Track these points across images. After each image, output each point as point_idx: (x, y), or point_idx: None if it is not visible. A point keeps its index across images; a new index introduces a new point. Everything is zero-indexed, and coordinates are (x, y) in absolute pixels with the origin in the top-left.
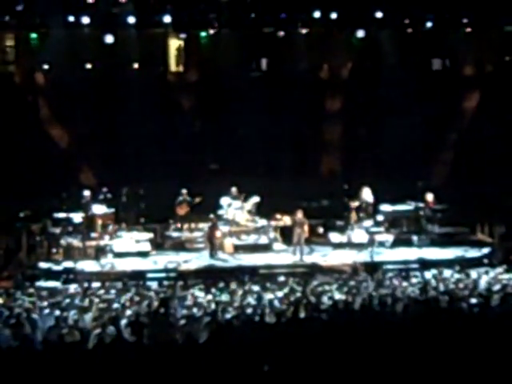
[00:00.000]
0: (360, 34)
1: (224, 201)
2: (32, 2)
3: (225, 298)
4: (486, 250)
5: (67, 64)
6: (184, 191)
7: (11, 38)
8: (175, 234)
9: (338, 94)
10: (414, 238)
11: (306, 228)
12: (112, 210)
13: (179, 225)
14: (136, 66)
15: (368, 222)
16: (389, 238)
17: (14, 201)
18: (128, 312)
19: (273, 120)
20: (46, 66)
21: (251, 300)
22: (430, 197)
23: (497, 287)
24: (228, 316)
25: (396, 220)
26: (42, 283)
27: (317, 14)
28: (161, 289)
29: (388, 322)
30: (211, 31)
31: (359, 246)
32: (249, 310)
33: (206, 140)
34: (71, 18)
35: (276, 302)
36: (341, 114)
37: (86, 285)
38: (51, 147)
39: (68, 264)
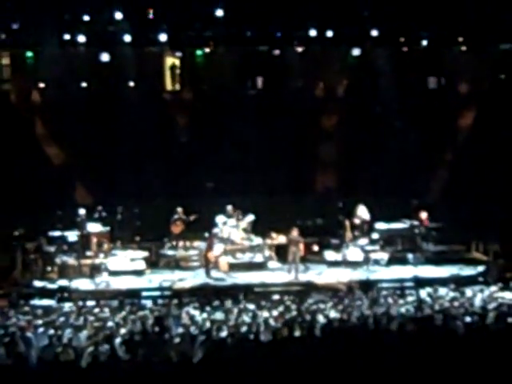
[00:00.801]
0: (356, 52)
1: (219, 219)
2: (28, 20)
3: (219, 316)
4: (480, 268)
5: (63, 82)
6: (179, 209)
7: (7, 57)
8: (170, 253)
9: (333, 111)
10: (409, 256)
11: (301, 246)
12: (107, 228)
13: (174, 243)
14: (132, 84)
15: (363, 240)
16: (384, 256)
17: (8, 219)
18: (123, 330)
19: (268, 138)
20: (41, 85)
21: (246, 318)
22: (424, 215)
23: (492, 305)
24: (223, 334)
25: (391, 238)
26: (36, 301)
27: (312, 33)
28: (155, 307)
29: (383, 340)
30: (207, 49)
31: (354, 264)
32: (244, 329)
33: (202, 158)
34: (67, 37)
35: (271, 321)
36: (336, 132)
37: (80, 303)
38: (47, 165)
39: (63, 282)
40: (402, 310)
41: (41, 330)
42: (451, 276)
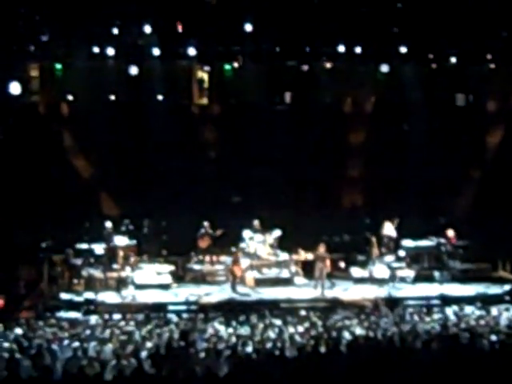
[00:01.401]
0: (384, 68)
1: (246, 234)
2: (57, 32)
3: (245, 331)
4: (507, 287)
5: (91, 95)
6: (206, 224)
7: (36, 69)
8: (197, 267)
9: (361, 128)
10: (436, 273)
11: (327, 262)
12: (134, 241)
13: (201, 257)
14: (160, 97)
15: (390, 257)
16: (410, 273)
17: (36, 231)
18: (148, 344)
19: (296, 153)
20: (70, 97)
21: (272, 334)
22: (451, 233)
23: None
24: (248, 349)
25: (418, 255)
26: (62, 314)
27: (341, 48)
28: (181, 321)
29: (408, 357)
30: (235, 64)
31: (381, 281)
32: (269, 344)
33: (229, 173)
34: (96, 49)
35: (297, 337)
36: (364, 149)
37: (106, 316)
38: (74, 178)
39: (89, 295)
40: (428, 327)
41: (66, 342)
42: (477, 294)
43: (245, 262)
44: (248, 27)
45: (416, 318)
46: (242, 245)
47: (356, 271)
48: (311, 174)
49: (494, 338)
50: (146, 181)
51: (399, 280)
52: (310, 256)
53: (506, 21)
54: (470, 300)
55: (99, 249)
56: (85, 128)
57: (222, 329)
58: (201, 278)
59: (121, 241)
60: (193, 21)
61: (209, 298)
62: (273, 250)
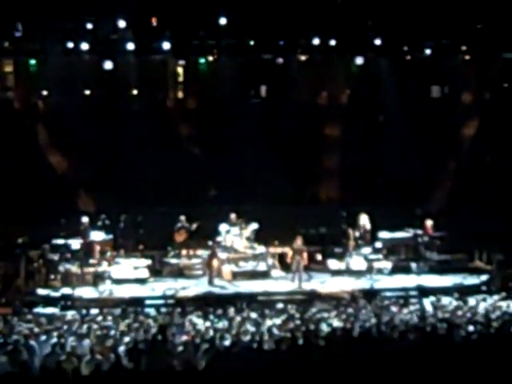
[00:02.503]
0: (359, 60)
1: (222, 227)
2: (31, 28)
3: (223, 324)
4: (484, 278)
5: (66, 90)
6: (182, 218)
7: (10, 64)
8: (173, 261)
9: (336, 120)
10: (413, 265)
11: (304, 255)
12: (110, 236)
13: (177, 251)
14: (135, 92)
15: (366, 249)
16: (387, 265)
17: (12, 227)
18: (126, 339)
19: (271, 146)
20: (44, 92)
21: (249, 327)
22: (428, 224)
23: (495, 314)
24: (226, 343)
25: (394, 247)
26: (40, 309)
27: (316, 41)
28: (159, 315)
29: (386, 349)
30: (210, 58)
31: (358, 273)
32: (247, 337)
33: (205, 166)
34: (70, 45)
35: (274, 329)
36: (340, 141)
37: (84, 311)
38: (50, 173)
39: (66, 290)
40: (405, 318)
41: (44, 338)
42: (455, 285)
43: (222, 256)
44: (222, 21)
45: (393, 309)
46: (219, 238)
47: (333, 263)
48: (287, 167)
49: (471, 328)
50: (121, 175)
51: (376, 272)
52: (286, 249)
53: (480, 12)
54: (447, 291)
55: (76, 244)
56: (60, 123)
57: (199, 322)
58: (178, 272)
59: (97, 236)
60: (167, 15)
61: (186, 291)
62: (249, 243)
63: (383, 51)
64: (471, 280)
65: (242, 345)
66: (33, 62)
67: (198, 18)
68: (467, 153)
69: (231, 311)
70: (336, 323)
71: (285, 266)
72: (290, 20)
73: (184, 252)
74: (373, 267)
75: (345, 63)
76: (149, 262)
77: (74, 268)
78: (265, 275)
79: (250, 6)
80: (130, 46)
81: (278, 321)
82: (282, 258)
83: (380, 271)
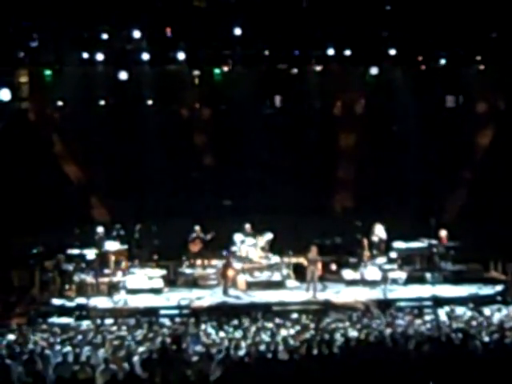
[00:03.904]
0: (374, 70)
1: (237, 237)
2: (46, 38)
3: (238, 334)
4: (499, 288)
5: (81, 100)
6: (197, 228)
7: (25, 75)
8: (188, 271)
9: (351, 130)
10: (428, 275)
11: (319, 265)
12: (125, 246)
13: (192, 261)
14: (150, 102)
15: (381, 259)
16: (402, 275)
17: (27, 237)
18: (141, 349)
19: (286, 157)
20: (60, 103)
21: (264, 337)
22: (443, 234)
23: (510, 324)
24: (241, 353)
25: (409, 257)
26: (54, 320)
27: (330, 51)
28: (173, 325)
29: (401, 359)
30: (225, 68)
31: (372, 284)
32: (262, 347)
33: (220, 176)
34: (85, 55)
35: (289, 339)
36: (354, 151)
37: (98, 321)
38: (65, 183)
39: (81, 300)
40: (420, 329)
41: (58, 347)
42: (469, 295)
43: (236, 266)
44: (237, 31)
45: (408, 319)
46: (234, 248)
47: (348, 273)
48: (302, 177)
49: (486, 338)
50: (136, 185)
51: (391, 282)
52: (301, 259)
53: (495, 22)
54: (461, 301)
55: (91, 254)
56: (75, 133)
57: (214, 332)
58: (192, 282)
59: (112, 246)
60: (182, 25)
61: (201, 301)
62: (264, 253)
63: (398, 61)
64: (486, 290)
65: (256, 355)
66: (48, 72)
67: (212, 28)
68: (482, 162)
69: (246, 321)
70: (350, 333)
71: (299, 276)
72: (305, 30)
73: (199, 262)
74: (387, 277)
75: (360, 73)
76: (163, 272)
77: (89, 278)
78: (279, 285)
79: (264, 16)
80: (145, 57)
81: (292, 331)
82: (296, 268)
83: (395, 281)
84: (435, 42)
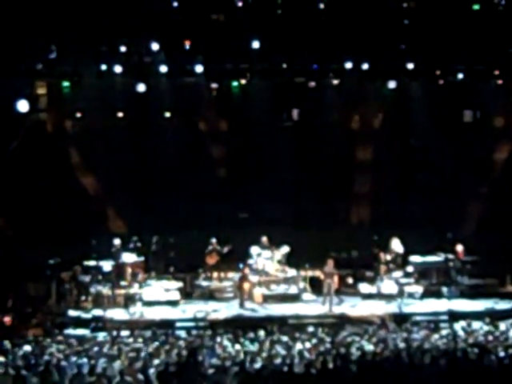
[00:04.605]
0: (391, 84)
1: (254, 250)
2: (64, 50)
3: (253, 347)
4: None
5: (99, 112)
6: (214, 240)
7: (43, 86)
8: (204, 284)
9: (368, 144)
10: (444, 289)
11: (335, 278)
12: (142, 258)
13: (209, 274)
14: (168, 114)
15: (398, 273)
16: (418, 289)
17: (44, 248)
18: (157, 361)
19: (303, 170)
20: (78, 114)
21: (280, 350)
22: (459, 248)
23: None
24: (256, 366)
25: (426, 271)
26: (70, 331)
27: (348, 65)
28: (189, 338)
29: (416, 373)
30: (243, 81)
31: (388, 297)
32: (277, 360)
33: (236, 189)
34: (103, 67)
35: (305, 353)
36: (371, 165)
37: (114, 333)
38: (82, 195)
39: (97, 312)
40: (436, 343)
41: (74, 359)
42: (486, 310)
43: (253, 279)
44: (255, 44)
45: (424, 333)
46: (250, 261)
47: (364, 287)
48: (319, 190)
49: (502, 353)
50: (153, 198)
51: (407, 296)
52: (317, 272)
53: None
54: (478, 315)
55: (107, 266)
56: (92, 145)
57: (229, 345)
58: (209, 295)
59: (129, 258)
60: (200, 38)
61: (217, 314)
62: (281, 266)
63: (416, 75)
64: (503, 305)
65: (272, 368)
66: (66, 84)
67: (230, 41)
68: (499, 177)
69: (262, 334)
70: (366, 347)
71: (316, 289)
72: (323, 44)
73: (215, 275)
74: (404, 291)
75: (377, 87)
76: (180, 284)
77: (105, 290)
78: (296, 298)
79: (282, 29)
80: (163, 69)
81: (308, 344)
82: (313, 281)
83: (411, 295)
84: (453, 56)
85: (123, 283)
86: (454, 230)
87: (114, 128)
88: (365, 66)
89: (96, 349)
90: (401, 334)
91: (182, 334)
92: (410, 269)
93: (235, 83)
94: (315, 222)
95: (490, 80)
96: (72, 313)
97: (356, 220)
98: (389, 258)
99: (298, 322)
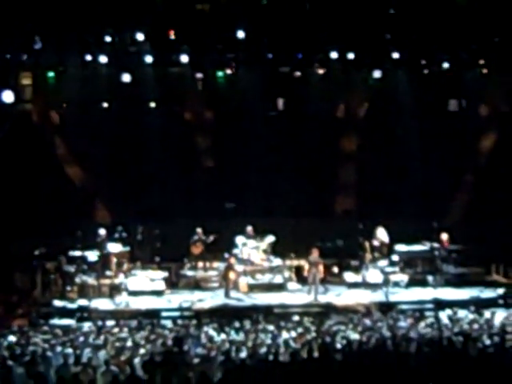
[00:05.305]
0: (376, 74)
1: (239, 240)
2: (49, 40)
3: (239, 337)
4: (500, 291)
5: (84, 103)
6: (199, 230)
7: (28, 77)
8: (190, 273)
9: (353, 133)
10: (429, 278)
11: (320, 268)
12: (127, 248)
13: (194, 264)
14: (153, 104)
15: (383, 262)
16: (404, 278)
17: (29, 239)
18: (142, 350)
19: (288, 159)
20: (63, 105)
21: (265, 339)
22: (444, 237)
23: (511, 328)
24: (242, 355)
25: (411, 260)
26: (56, 321)
27: (334, 55)
28: (175, 327)
29: (402, 362)
30: (228, 71)
31: (374, 286)
32: (263, 350)
33: (222, 179)
34: (88, 57)
35: (290, 342)
36: (356, 154)
37: (100, 323)
38: (67, 185)
39: (82, 302)
40: (422, 332)
41: (60, 349)
42: (471, 298)
43: (238, 268)
44: (241, 34)
45: (409, 322)
46: (235, 251)
47: (349, 276)
48: (304, 180)
49: (487, 341)
50: (138, 187)
51: (393, 285)
52: (302, 261)
53: (498, 26)
54: (463, 304)
55: (92, 256)
56: (78, 136)
57: (215, 334)
58: (194, 284)
59: (114, 248)
60: (185, 28)
61: (202, 303)
62: (266, 255)
63: (401, 65)
64: (488, 293)
65: (257, 357)
66: (51, 74)
67: (215, 31)
68: (484, 166)
69: (247, 323)
70: (352, 336)
71: (301, 278)
72: (308, 33)
73: (200, 264)
74: (389, 280)
75: (362, 76)
76: (165, 274)
77: (91, 280)
78: (281, 288)
79: (267, 19)
80: (148, 59)
81: (294, 333)
82: (298, 270)
83: (396, 284)
84: (438, 45)
85: (108, 273)
86: (439, 219)
87: (99, 118)
88: (350, 56)
89: (81, 339)
90: (386, 322)
91: (168, 323)
92: (395, 258)
93: (220, 73)
94: (300, 212)
95: (475, 69)
96: (57, 303)
97: (341, 209)
98: (374, 246)
99: (284, 311)
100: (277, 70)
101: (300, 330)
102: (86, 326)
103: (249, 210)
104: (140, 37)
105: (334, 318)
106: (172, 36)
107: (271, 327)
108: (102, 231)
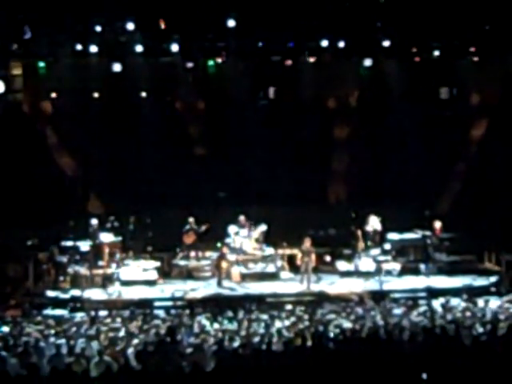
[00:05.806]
0: (367, 62)
1: (231, 229)
2: (40, 30)
3: (232, 326)
4: (493, 279)
5: (75, 92)
6: (191, 220)
7: (19, 67)
8: (182, 263)
9: (345, 122)
10: (422, 266)
11: (313, 256)
12: (119, 238)
13: (186, 253)
14: (144, 94)
15: (375, 251)
16: (396, 266)
17: (21, 229)
18: (135, 340)
19: (280, 148)
20: (53, 95)
21: (258, 328)
22: (437, 225)
23: (504, 316)
24: (235, 344)
25: (403, 248)
26: (49, 311)
27: (324, 43)
28: (168, 317)
29: (395, 350)
30: (219, 60)
31: (366, 275)
32: (256, 339)
33: (214, 168)
34: (79, 47)
35: (283, 331)
36: (348, 143)
37: (93, 313)
38: (59, 175)
39: (75, 292)
40: (414, 320)
41: (53, 339)
42: (464, 286)
43: (230, 257)
44: (231, 23)
45: (402, 310)
46: (228, 240)
47: (342, 265)
48: (296, 169)
49: (480, 329)
50: (130, 177)
51: (385, 273)
52: (295, 250)
53: (489, 14)
54: (456, 292)
55: (85, 246)
56: (69, 126)
57: (208, 324)
58: (187, 274)
59: (106, 238)
60: (176, 17)
61: (195, 293)
62: (258, 244)
63: (392, 53)
64: (480, 281)
65: (250, 346)
66: (41, 64)
67: (206, 20)
68: (476, 154)
69: (240, 313)
70: (345, 324)
71: (294, 267)
72: (299, 22)
73: (193, 254)
74: (382, 269)
75: (353, 65)
76: (158, 263)
77: (83, 270)
78: (274, 277)
79: (258, 7)
80: (139, 48)
81: (286, 322)
82: (290, 259)
83: (389, 273)
84: (429, 33)
85: (101, 263)
86: (431, 207)
87: (90, 108)
88: (341, 44)
89: (74, 329)
90: (379, 311)
91: (161, 313)
92: (387, 246)
93: (211, 62)
94: (292, 200)
95: (467, 57)
96: (50, 293)
97: (333, 198)
98: (366, 235)
99: (276, 300)
100: (268, 58)
101: (293, 319)
102: (79, 316)
103: (241, 200)
104: (130, 26)
105: (327, 307)
106: (162, 25)
107: (264, 316)
108: (94, 221)
